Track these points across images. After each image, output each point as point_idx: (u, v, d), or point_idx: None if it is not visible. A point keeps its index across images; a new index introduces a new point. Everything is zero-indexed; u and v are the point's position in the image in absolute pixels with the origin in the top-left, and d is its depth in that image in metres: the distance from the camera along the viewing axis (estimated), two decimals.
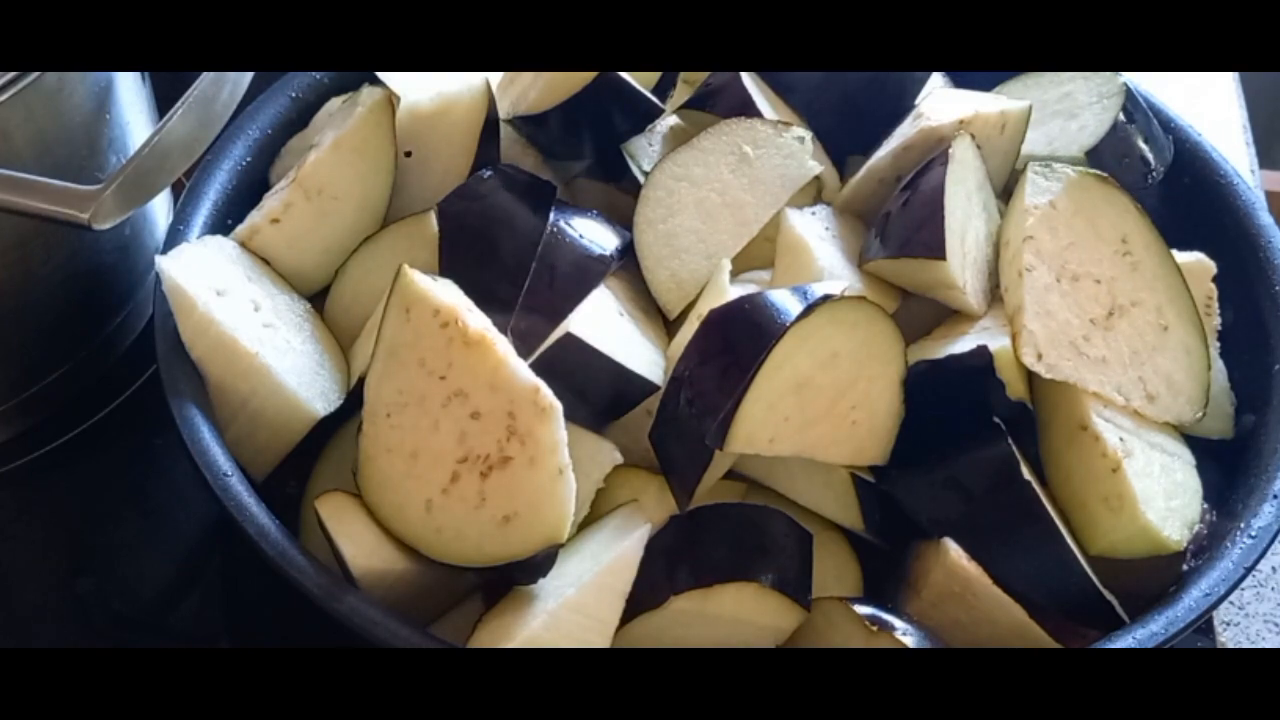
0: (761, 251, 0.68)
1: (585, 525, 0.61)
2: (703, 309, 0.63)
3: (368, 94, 0.71)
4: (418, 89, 0.71)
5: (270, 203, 0.70)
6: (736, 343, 0.58)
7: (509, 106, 0.72)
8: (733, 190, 0.68)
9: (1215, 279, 0.68)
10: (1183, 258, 0.66)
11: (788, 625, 0.59)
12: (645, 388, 0.62)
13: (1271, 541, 0.61)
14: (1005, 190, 0.71)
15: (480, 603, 0.60)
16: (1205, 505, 0.63)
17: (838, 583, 0.62)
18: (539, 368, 0.59)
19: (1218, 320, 0.68)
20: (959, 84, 0.77)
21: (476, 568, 0.58)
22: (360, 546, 0.58)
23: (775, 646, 0.59)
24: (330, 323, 0.69)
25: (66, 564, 0.72)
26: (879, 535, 0.63)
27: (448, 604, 0.61)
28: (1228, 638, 0.73)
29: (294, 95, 0.77)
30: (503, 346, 0.58)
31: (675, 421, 0.60)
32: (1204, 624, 0.68)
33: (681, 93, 0.76)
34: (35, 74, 0.65)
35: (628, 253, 0.67)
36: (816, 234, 0.67)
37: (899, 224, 0.65)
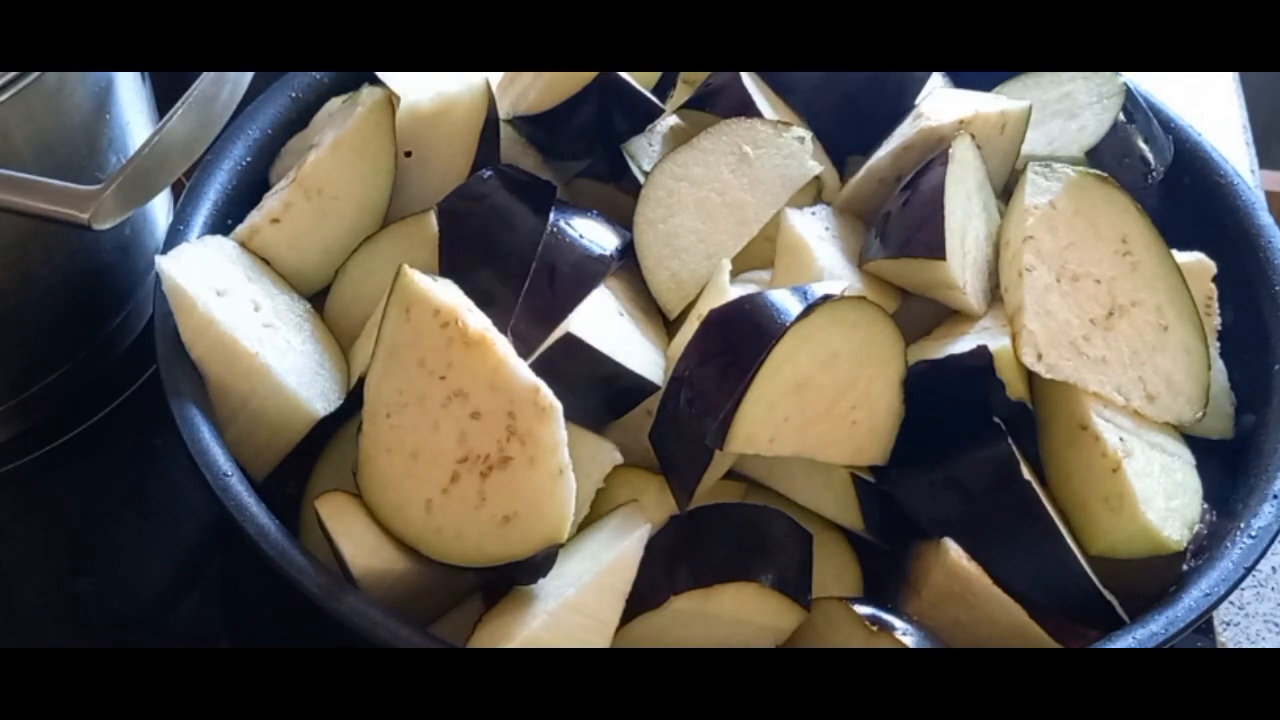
0: (761, 251, 0.68)
1: (585, 525, 0.61)
2: (703, 309, 0.63)
3: (368, 94, 0.71)
4: (418, 89, 0.71)
5: (270, 203, 0.70)
6: (736, 343, 0.58)
7: (509, 106, 0.72)
8: (733, 190, 0.68)
9: (1215, 279, 0.68)
10: (1183, 258, 0.66)
11: (788, 625, 0.59)
12: (645, 388, 0.62)
13: (1271, 541, 0.61)
14: (1005, 190, 0.71)
15: (480, 603, 0.60)
16: (1205, 505, 0.63)
17: (838, 583, 0.62)
18: (539, 368, 0.59)
19: (1218, 320, 0.68)
20: (959, 84, 0.77)
21: (476, 568, 0.58)
22: (360, 546, 0.58)
23: (775, 646, 0.59)
24: (330, 323, 0.69)
25: (66, 564, 0.72)
26: (879, 535, 0.63)
27: (448, 604, 0.61)
28: (1228, 638, 0.73)
29: (294, 95, 0.77)
30: (503, 346, 0.58)
31: (675, 421, 0.60)
32: (1204, 624, 0.68)
33: (681, 93, 0.76)
34: (35, 74, 0.65)
35: (628, 253, 0.67)
36: (816, 234, 0.67)
37: (899, 224, 0.65)
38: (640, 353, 0.64)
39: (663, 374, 0.63)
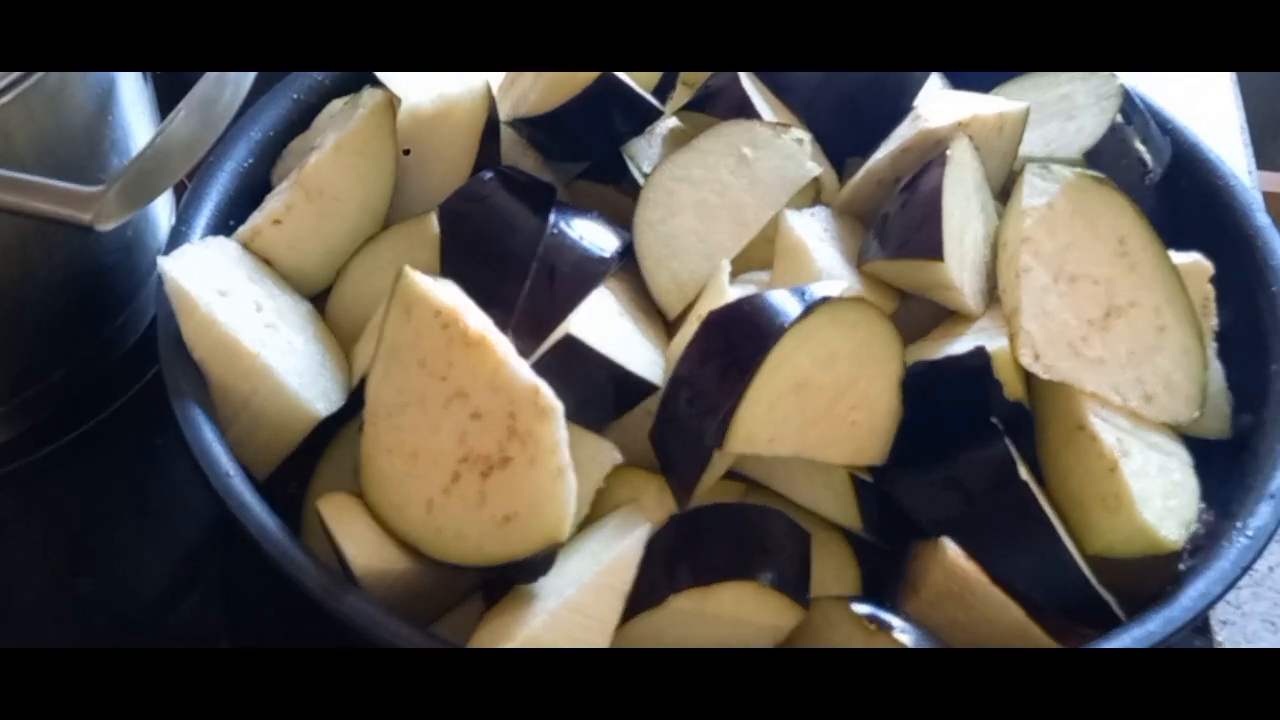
0: (761, 252, 0.68)
1: (585, 525, 0.61)
2: (702, 310, 0.63)
3: (369, 96, 0.71)
4: (419, 91, 0.71)
5: (272, 204, 0.70)
6: (736, 343, 0.59)
7: (510, 108, 0.72)
8: (732, 191, 0.68)
9: (1213, 280, 0.69)
10: (1180, 258, 0.67)
11: (787, 624, 0.59)
12: (645, 388, 0.62)
13: (1268, 541, 0.61)
14: (1003, 191, 0.71)
15: (480, 602, 0.60)
16: (1202, 505, 0.63)
17: (837, 582, 0.62)
18: (539, 368, 0.59)
19: (1215, 321, 0.68)
20: (957, 85, 0.77)
21: (477, 567, 0.58)
22: (361, 546, 0.58)
23: (774, 646, 0.60)
24: (331, 323, 0.69)
25: (67, 564, 0.72)
26: (878, 535, 0.63)
27: (448, 603, 0.61)
28: (1225, 637, 0.73)
29: (296, 97, 0.77)
30: (503, 347, 0.58)
31: (675, 421, 0.60)
32: (1201, 623, 0.68)
33: (681, 94, 0.76)
34: (37, 74, 0.65)
35: (627, 254, 0.67)
36: (815, 235, 0.67)
37: (897, 225, 0.65)
38: (640, 353, 0.64)
39: (663, 374, 0.63)
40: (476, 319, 0.59)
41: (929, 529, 0.61)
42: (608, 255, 0.66)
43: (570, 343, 0.61)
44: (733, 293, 0.63)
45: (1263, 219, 0.73)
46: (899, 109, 0.72)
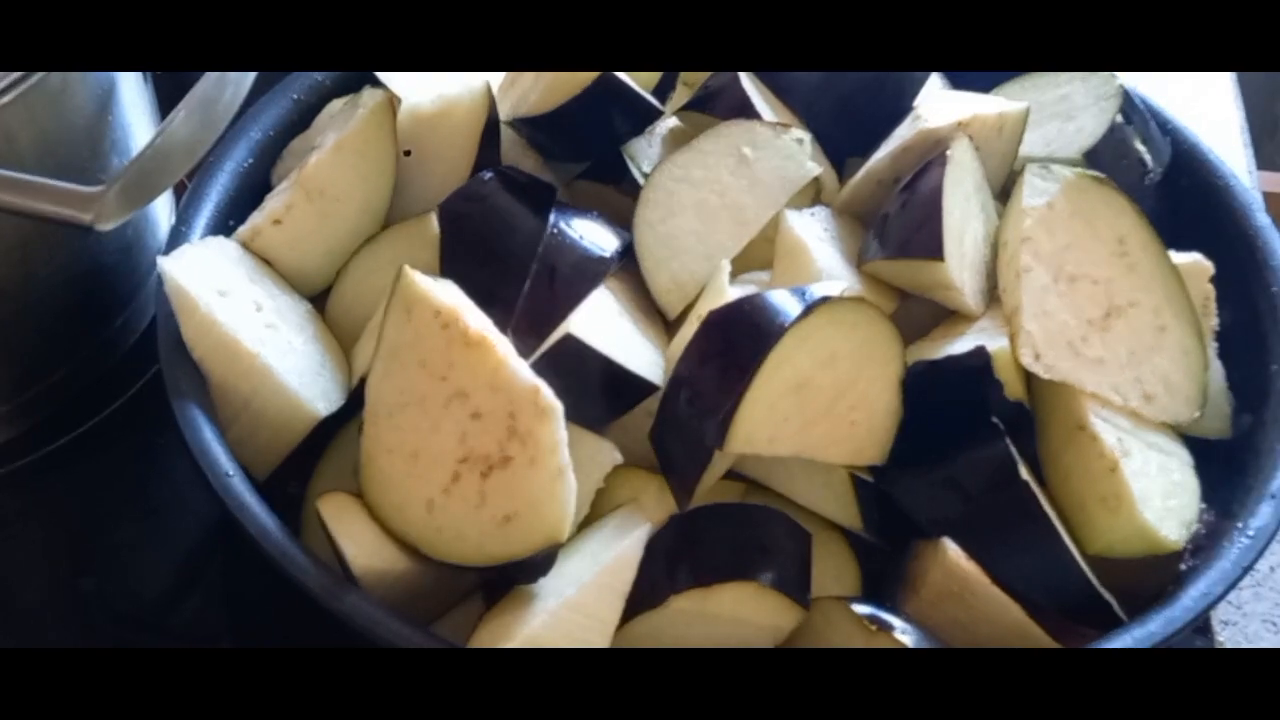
0: (761, 252, 0.68)
1: (585, 525, 0.61)
2: (702, 310, 0.63)
3: (369, 96, 0.71)
4: (419, 91, 0.71)
5: (272, 204, 0.70)
6: (736, 343, 0.59)
7: (510, 108, 0.72)
8: (732, 192, 0.68)
9: (1213, 280, 0.69)
10: (1180, 258, 0.67)
11: (787, 625, 0.59)
12: (645, 388, 0.62)
13: (1269, 541, 0.61)
14: (1003, 191, 0.71)
15: (480, 602, 0.60)
16: (1203, 505, 0.63)
17: (837, 582, 0.62)
18: (539, 368, 0.59)
19: (1215, 320, 0.68)
20: (957, 85, 0.77)
21: (477, 567, 0.58)
22: (362, 546, 0.58)
23: (775, 646, 0.60)
24: (331, 323, 0.69)
25: (68, 564, 0.72)
26: (878, 535, 0.63)
27: (448, 603, 0.61)
28: (1225, 637, 0.73)
29: (296, 97, 0.77)
30: (503, 347, 0.58)
31: (675, 421, 0.60)
32: (1202, 623, 0.68)
33: (681, 94, 0.76)
34: (38, 75, 0.65)
35: (627, 254, 0.67)
36: (815, 235, 0.67)
37: (897, 225, 0.65)
38: (640, 353, 0.64)
39: (663, 374, 0.63)
40: (476, 319, 0.59)
41: (929, 529, 0.61)
42: (608, 255, 0.66)
43: (570, 343, 0.61)
44: (733, 293, 0.63)
45: (1263, 219, 0.73)
46: (899, 109, 0.72)
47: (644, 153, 0.72)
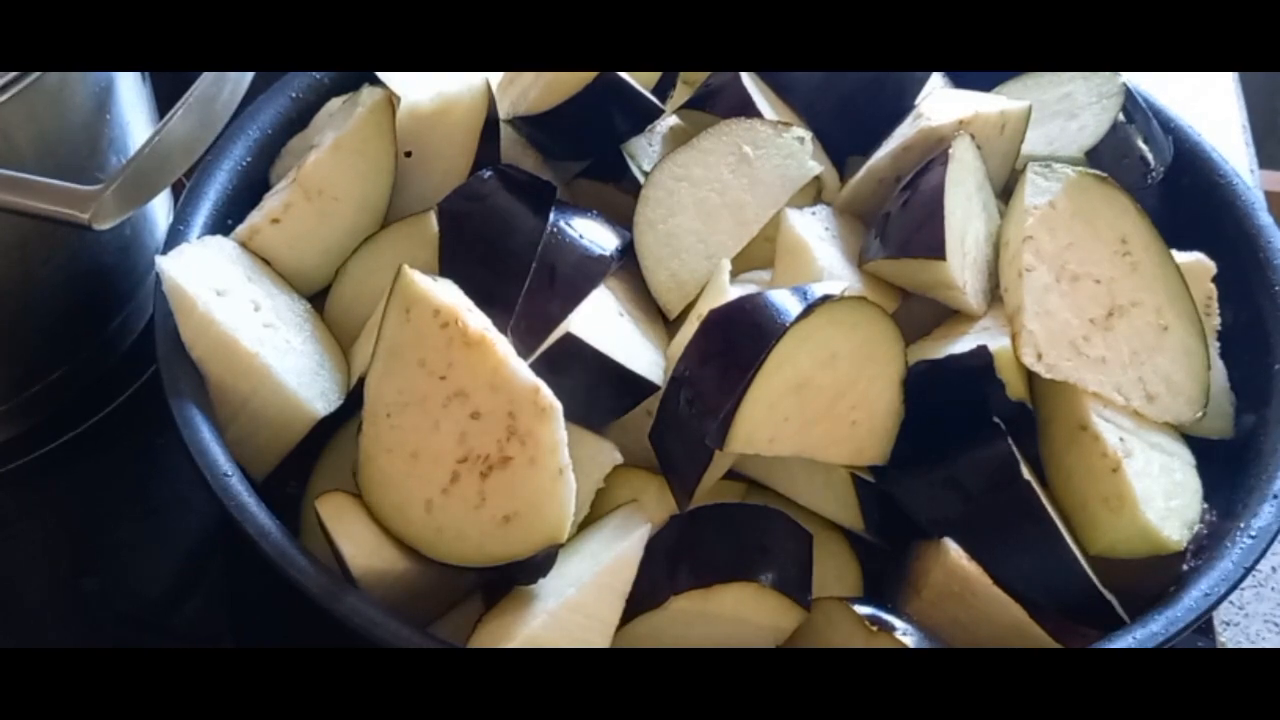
0: (761, 251, 0.68)
1: (585, 525, 0.61)
2: (703, 309, 0.63)
3: (368, 94, 0.71)
4: (418, 89, 0.71)
5: (270, 203, 0.70)
6: (736, 343, 0.58)
7: (509, 107, 0.72)
8: (733, 190, 0.68)
9: (1215, 279, 0.68)
10: (1182, 258, 0.66)
11: (788, 625, 0.59)
12: (645, 388, 0.62)
13: (1271, 541, 0.61)
14: (1005, 190, 0.71)
15: (480, 603, 0.60)
16: (1205, 505, 0.63)
17: (838, 583, 0.62)
18: (539, 368, 0.59)
19: (1217, 320, 0.68)
20: (959, 84, 0.77)
21: (477, 568, 0.58)
22: (360, 546, 0.58)
23: (775, 646, 0.60)
24: (330, 323, 0.69)
25: (69, 564, 0.72)
26: (879, 535, 0.63)
27: (448, 604, 0.61)
28: (1227, 637, 0.73)
29: (294, 95, 0.77)
30: (503, 346, 0.58)
31: (675, 421, 0.60)
32: (1204, 624, 0.68)
33: (681, 93, 0.76)
34: (36, 74, 0.65)
35: (628, 253, 0.67)
36: (816, 234, 0.67)
37: (899, 224, 0.65)
38: (640, 353, 0.64)
39: (663, 374, 0.63)
40: (476, 319, 0.59)
41: (930, 529, 0.61)
42: (608, 254, 0.66)
43: (570, 342, 0.61)
44: (733, 292, 0.63)
45: (1265, 218, 0.73)
46: (900, 108, 0.72)
47: (644, 151, 0.72)
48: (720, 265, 0.65)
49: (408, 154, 0.71)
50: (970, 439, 0.61)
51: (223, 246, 0.68)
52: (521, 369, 0.58)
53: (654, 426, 0.61)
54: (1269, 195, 0.98)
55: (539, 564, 0.57)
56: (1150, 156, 0.73)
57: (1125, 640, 0.57)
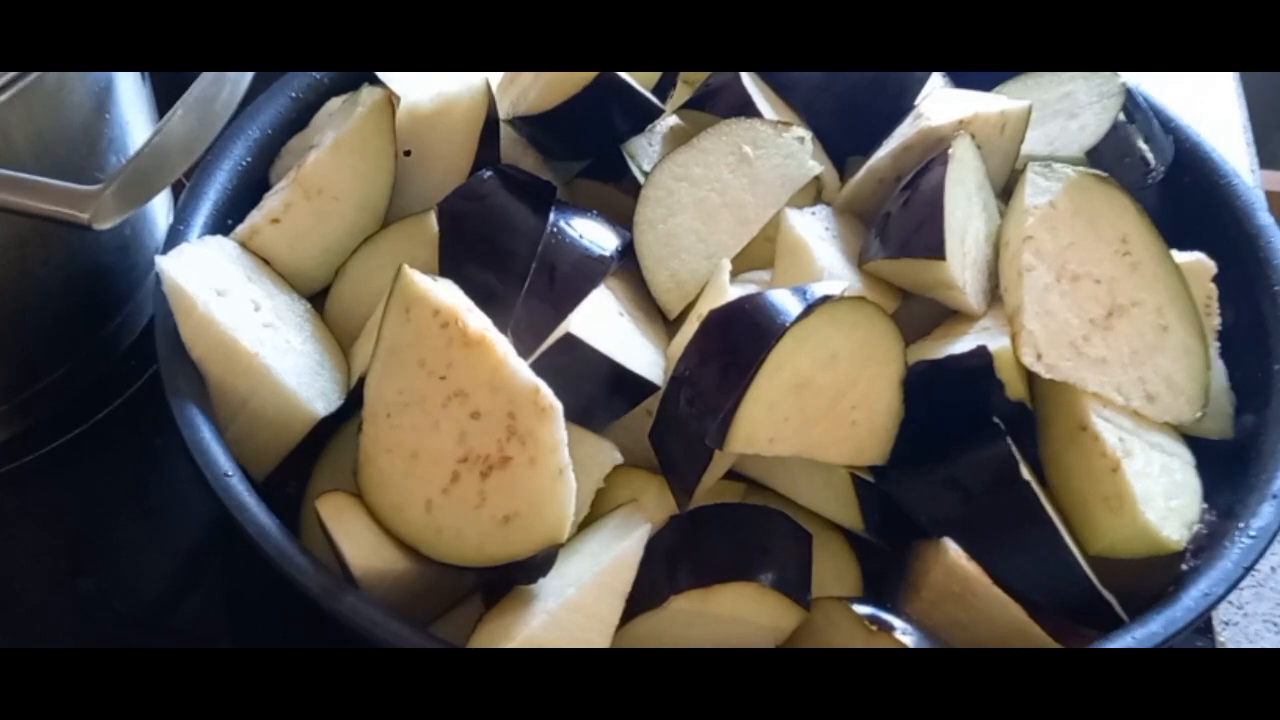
0: (761, 251, 0.68)
1: (585, 525, 0.61)
2: (703, 309, 0.63)
3: (368, 94, 0.71)
4: (418, 89, 0.71)
5: (270, 203, 0.70)
6: (736, 343, 0.58)
7: (509, 107, 0.72)
8: (733, 190, 0.68)
9: (1215, 279, 0.68)
10: (1182, 258, 0.66)
11: (788, 625, 0.59)
12: (645, 388, 0.62)
13: (1270, 541, 0.61)
14: (1005, 190, 0.71)
15: (480, 603, 0.60)
16: (1205, 505, 0.63)
17: (838, 583, 0.62)
18: (539, 368, 0.59)
19: (1218, 320, 0.68)
20: (959, 84, 0.77)
21: (476, 568, 0.58)
22: (360, 546, 0.58)
23: (775, 646, 0.60)
24: (330, 323, 0.69)
25: (67, 564, 0.72)
26: (879, 535, 0.63)
27: (448, 604, 0.61)
28: (1227, 637, 0.73)
29: (294, 95, 0.77)
30: (503, 346, 0.58)
31: (675, 421, 0.60)
32: (1203, 624, 0.68)
33: (681, 93, 0.76)
34: (35, 74, 0.65)
35: (628, 253, 0.67)
36: (816, 234, 0.67)
37: (899, 224, 0.65)
38: (640, 353, 0.64)
39: (663, 374, 0.63)
40: (476, 319, 0.59)
41: (930, 529, 0.61)
42: (608, 254, 0.66)
43: (570, 342, 0.61)
44: (733, 292, 0.63)
45: (1265, 218, 0.73)
46: (899, 108, 0.72)
47: (644, 151, 0.72)
48: (720, 265, 0.65)
49: (407, 154, 0.71)
50: (970, 439, 0.61)
51: (223, 246, 0.68)
52: (521, 369, 0.58)
53: (654, 426, 0.61)
54: (1269, 195, 0.98)
55: (539, 564, 0.57)
56: (1151, 156, 0.73)
57: (1125, 640, 0.57)
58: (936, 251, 0.63)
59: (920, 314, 0.67)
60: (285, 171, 0.72)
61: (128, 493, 0.75)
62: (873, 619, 0.57)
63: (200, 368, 0.63)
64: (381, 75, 0.71)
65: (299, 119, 0.77)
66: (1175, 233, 0.66)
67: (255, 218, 0.70)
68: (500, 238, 0.65)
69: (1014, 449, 0.60)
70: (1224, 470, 0.65)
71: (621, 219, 0.68)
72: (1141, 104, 0.74)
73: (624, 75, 0.69)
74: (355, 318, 0.68)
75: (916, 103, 0.72)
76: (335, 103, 0.76)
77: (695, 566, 0.59)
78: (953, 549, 0.59)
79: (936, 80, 0.76)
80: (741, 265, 0.67)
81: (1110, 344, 0.63)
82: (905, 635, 0.56)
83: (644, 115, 0.71)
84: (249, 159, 0.74)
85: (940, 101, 0.71)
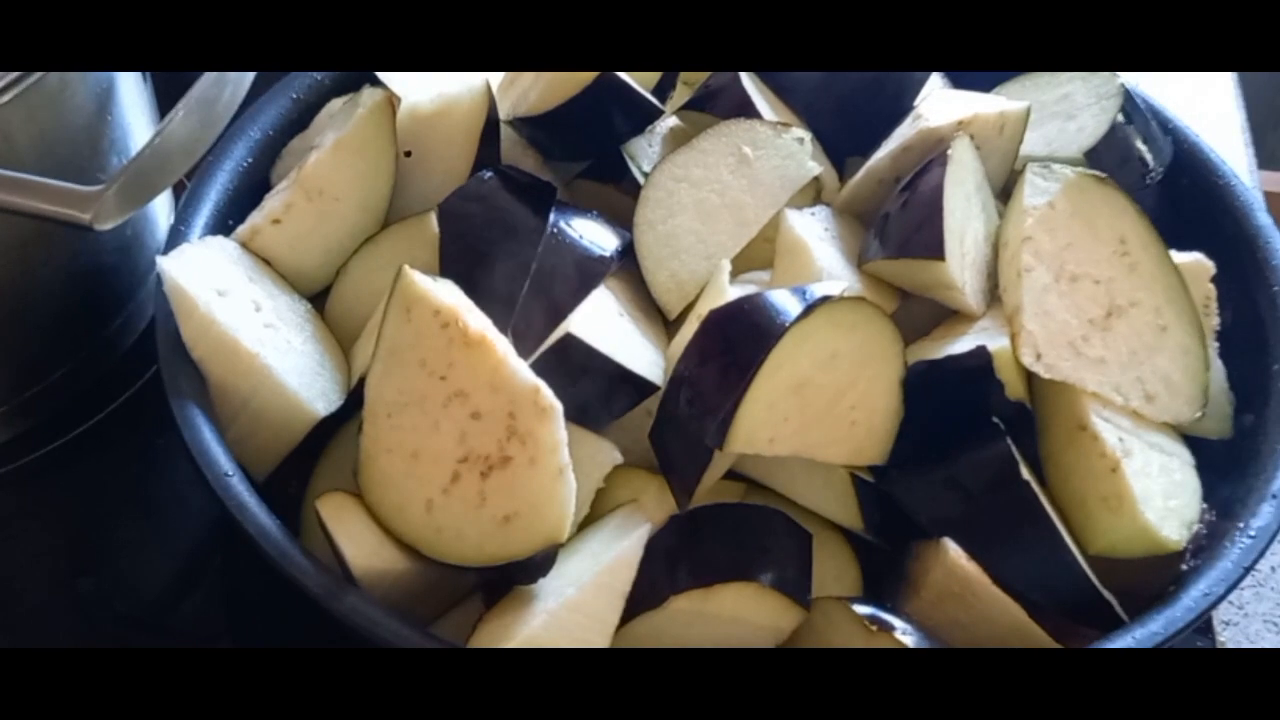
0: (761, 252, 0.68)
1: (585, 525, 0.61)
2: (702, 309, 0.63)
3: (368, 95, 0.71)
4: (418, 90, 0.71)
5: (271, 203, 0.70)
6: (736, 343, 0.58)
7: (509, 107, 0.72)
8: (732, 191, 0.68)
9: (1214, 279, 0.68)
10: (1181, 258, 0.67)
11: (787, 625, 0.59)
12: (645, 388, 0.62)
13: (1270, 541, 0.61)
14: (1004, 191, 0.71)
15: (480, 603, 0.60)
16: (1204, 505, 0.63)
17: (838, 583, 0.62)
18: (539, 368, 0.59)
19: (1216, 320, 0.68)
20: (958, 85, 0.77)
21: (477, 567, 0.58)
22: (361, 546, 0.58)
23: (775, 646, 0.60)
24: (331, 323, 0.69)
25: (68, 564, 0.72)
26: (879, 535, 0.63)
27: (448, 604, 0.61)
28: (1227, 637, 0.73)
29: (295, 96, 0.77)
30: (503, 347, 0.58)
31: (675, 421, 0.60)
32: (1203, 623, 0.68)
33: (681, 94, 0.76)
34: (37, 74, 0.65)
35: (628, 253, 0.67)
36: (816, 235, 0.67)
37: (898, 225, 0.65)
38: (640, 353, 0.64)
39: (663, 374, 0.63)
40: (476, 319, 0.59)
41: (930, 529, 0.61)
42: (608, 255, 0.66)
43: (570, 342, 0.61)
44: (733, 292, 0.63)
45: (1264, 218, 0.73)
46: (899, 109, 0.72)
47: (644, 152, 0.72)
48: (720, 266, 0.65)
49: (408, 154, 0.71)
50: (970, 439, 0.61)
51: (224, 247, 0.68)
52: (521, 369, 0.58)
53: (654, 426, 0.61)
54: (1268, 195, 0.99)
55: (539, 564, 0.57)
56: (1149, 157, 0.73)
57: (1125, 640, 0.57)
58: (936, 252, 0.63)
59: (920, 314, 0.67)
60: (286, 172, 0.72)
61: (128, 493, 0.75)
62: (873, 619, 0.57)
63: (201, 368, 0.64)
64: (382, 76, 0.71)
65: (300, 120, 0.77)
66: (1174, 233, 0.66)
67: (256, 218, 0.70)
68: (500, 238, 0.65)
69: (1014, 449, 0.60)
70: (1223, 470, 0.65)
71: (621, 219, 0.68)
72: (1140, 105, 0.74)
73: (624, 76, 0.69)
74: (356, 318, 0.68)
75: (916, 103, 0.72)
76: (336, 104, 0.77)
77: (695, 566, 0.59)
78: (953, 549, 0.59)
79: (936, 81, 0.76)
80: (741, 266, 0.67)
81: (1109, 344, 0.63)
82: (905, 635, 0.56)
83: (644, 116, 0.71)
84: (250, 160, 0.74)
85: (939, 102, 0.71)
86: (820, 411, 0.60)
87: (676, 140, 0.71)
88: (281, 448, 0.64)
